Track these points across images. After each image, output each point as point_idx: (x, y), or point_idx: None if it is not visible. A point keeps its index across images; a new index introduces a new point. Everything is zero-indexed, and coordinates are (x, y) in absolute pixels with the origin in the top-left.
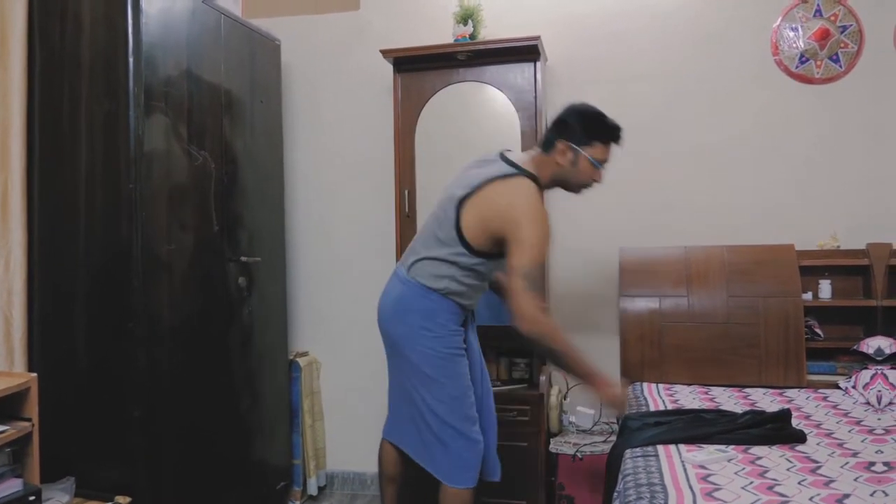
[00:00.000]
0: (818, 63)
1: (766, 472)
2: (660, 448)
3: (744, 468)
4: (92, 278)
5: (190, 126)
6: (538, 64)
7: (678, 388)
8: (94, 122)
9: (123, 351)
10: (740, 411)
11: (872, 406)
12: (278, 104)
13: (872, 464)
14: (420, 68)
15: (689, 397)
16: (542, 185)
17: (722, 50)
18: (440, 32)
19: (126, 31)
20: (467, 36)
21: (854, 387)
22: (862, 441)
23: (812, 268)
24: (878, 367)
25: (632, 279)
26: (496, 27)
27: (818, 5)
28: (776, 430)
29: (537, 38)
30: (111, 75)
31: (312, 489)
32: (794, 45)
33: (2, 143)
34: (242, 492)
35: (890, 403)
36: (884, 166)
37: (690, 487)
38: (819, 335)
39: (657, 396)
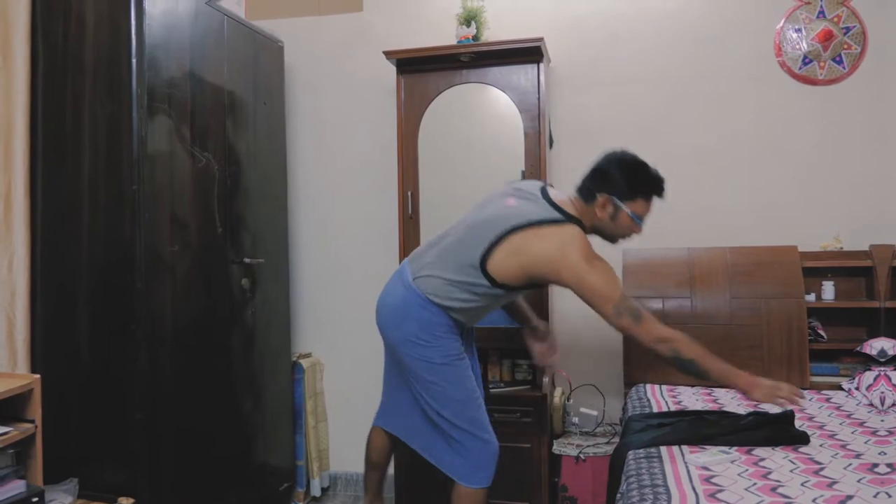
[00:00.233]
0: (821, 64)
1: (769, 473)
2: (663, 449)
3: (747, 469)
4: (95, 279)
5: (193, 127)
6: (541, 65)
7: (681, 389)
8: (97, 124)
9: (126, 352)
10: (743, 412)
11: (876, 407)
12: (281, 105)
13: (876, 465)
14: (423, 70)
15: (692, 399)
16: (585, 230)
17: (725, 51)
18: (443, 34)
19: (129, 33)
20: (470, 37)
21: (857, 388)
22: (865, 443)
23: (815, 269)
24: (882, 369)
25: (635, 281)
26: (499, 29)
27: (821, 7)
28: (779, 431)
29: (540, 39)
30: (114, 77)
31: (316, 490)
32: (798, 47)
33: (5, 144)
34: (245, 493)
35: (893, 405)
36: (887, 167)
37: (693, 489)
38: (822, 336)
39: (660, 398)
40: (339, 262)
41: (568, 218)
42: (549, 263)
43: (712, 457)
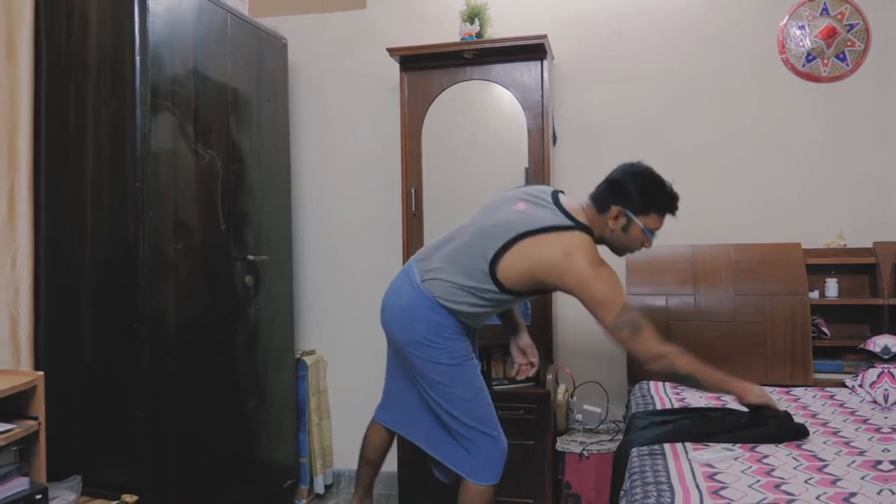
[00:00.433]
0: (825, 61)
1: (772, 470)
2: (666, 447)
3: (750, 467)
4: (98, 277)
5: (196, 125)
6: (545, 62)
7: (685, 386)
8: (101, 122)
9: (129, 350)
10: (745, 409)
11: (879, 404)
12: (285, 103)
13: (879, 462)
14: (426, 67)
15: (696, 396)
16: (594, 239)
17: (728, 48)
18: (446, 31)
19: (133, 30)
20: (474, 34)
21: (861, 385)
22: (869, 439)
23: (818, 266)
24: (885, 366)
25: (638, 277)
26: (502, 26)
27: (825, 3)
28: (780, 428)
29: (544, 36)
30: (118, 74)
31: (319, 488)
32: (801, 44)
33: (9, 142)
34: (249, 490)
35: None
36: (891, 165)
37: (697, 486)
38: (826, 333)
39: (664, 395)
40: (342, 259)
41: (577, 225)
42: (556, 269)
43: (716, 454)
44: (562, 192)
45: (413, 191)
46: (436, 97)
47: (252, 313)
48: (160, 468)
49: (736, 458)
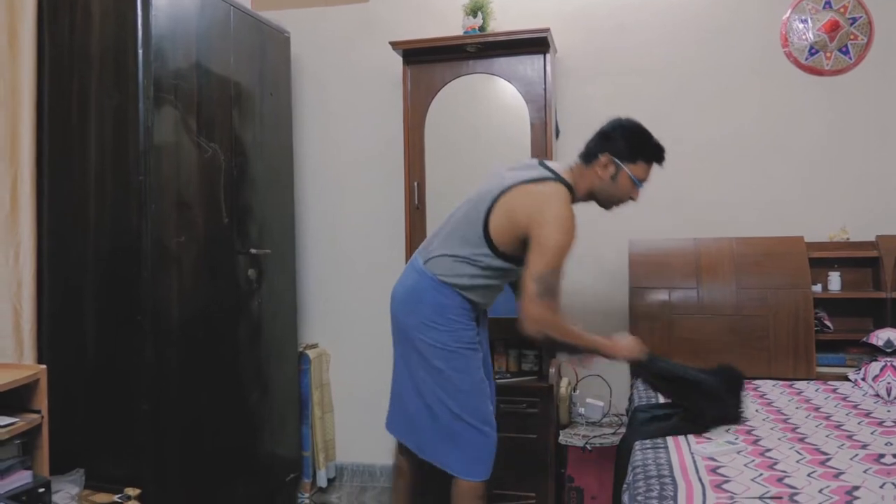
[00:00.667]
0: (828, 55)
1: (775, 464)
2: (669, 440)
3: (753, 460)
4: (101, 270)
5: (199, 118)
6: (548, 56)
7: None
8: (104, 115)
9: (132, 343)
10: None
11: (882, 398)
12: (288, 96)
13: (882, 456)
14: (429, 60)
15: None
16: (577, 197)
17: (731, 42)
18: (449, 24)
19: (135, 24)
20: (476, 28)
21: (864, 379)
22: (871, 433)
23: (821, 260)
24: (888, 359)
25: (641, 271)
26: (505, 19)
27: None
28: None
29: (547, 30)
30: (120, 68)
31: (322, 481)
32: (804, 37)
33: (12, 136)
34: (252, 484)
35: None
36: (894, 158)
37: (700, 479)
38: (828, 327)
39: None
40: (345, 252)
41: (557, 178)
42: (527, 213)
43: (718, 447)
44: (551, 162)
45: (416, 184)
46: (439, 91)
47: (255, 307)
48: (163, 461)
49: (739, 452)
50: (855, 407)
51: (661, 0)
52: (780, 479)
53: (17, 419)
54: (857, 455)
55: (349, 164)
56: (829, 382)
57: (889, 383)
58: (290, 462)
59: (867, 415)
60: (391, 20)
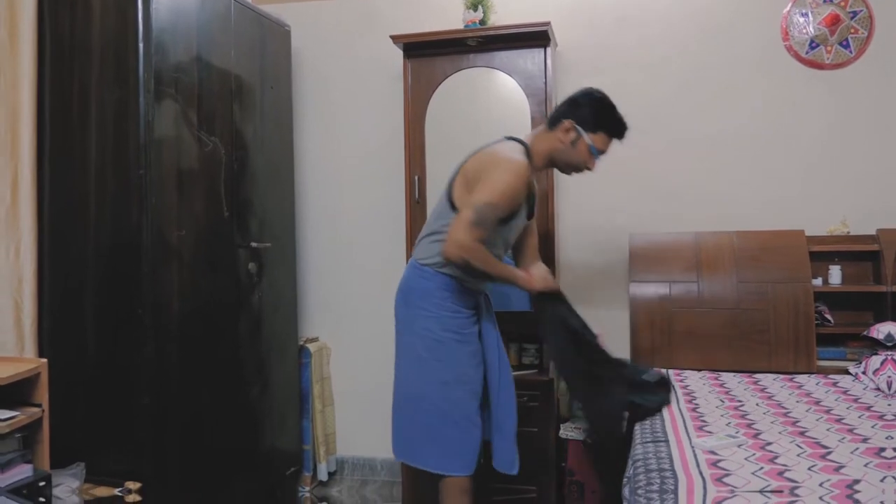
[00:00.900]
0: (828, 49)
1: (776, 457)
2: (670, 434)
3: (754, 454)
4: (102, 264)
5: (200, 112)
6: (548, 49)
7: (688, 373)
8: (104, 109)
9: (133, 337)
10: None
11: (882, 392)
12: (288, 90)
13: (882, 449)
14: (430, 54)
15: (699, 383)
16: (535, 158)
17: (732, 36)
18: (450, 18)
19: (136, 17)
20: (477, 22)
21: (864, 372)
22: (872, 427)
23: (822, 253)
24: (889, 353)
25: (642, 265)
26: (506, 13)
27: None
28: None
29: (547, 23)
30: (121, 61)
31: (322, 474)
32: (804, 31)
33: (12, 130)
34: (252, 477)
35: None
36: (894, 151)
37: (700, 473)
38: (829, 321)
39: None
40: (345, 245)
41: (514, 140)
42: (479, 167)
43: (719, 441)
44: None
45: (416, 178)
46: (439, 84)
47: (255, 300)
48: (164, 455)
49: (739, 446)
50: (855, 401)
51: None
52: (780, 473)
53: (17, 413)
54: (857, 449)
55: (350, 157)
56: (830, 376)
57: (890, 377)
58: (290, 456)
59: (868, 408)
60: (392, 13)
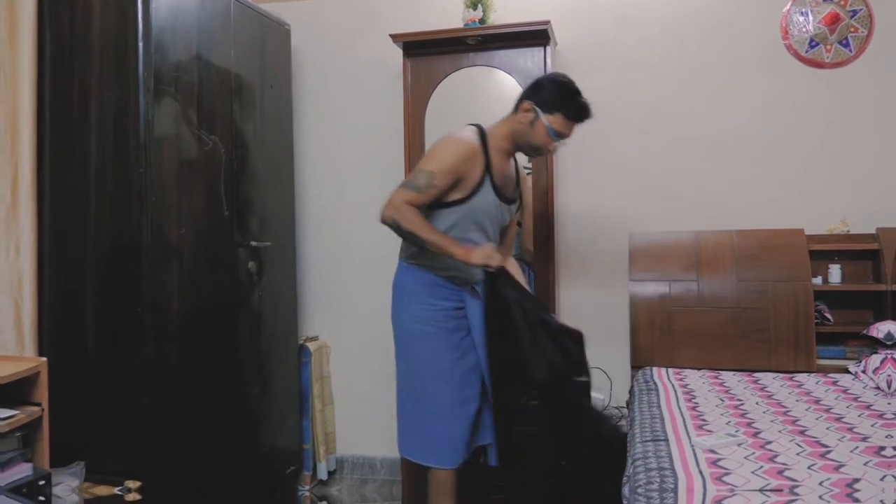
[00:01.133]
0: (828, 47)
1: (775, 456)
2: (670, 433)
3: (753, 453)
4: (102, 263)
5: (200, 111)
6: (548, 48)
7: (688, 372)
8: (104, 108)
9: (133, 336)
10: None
11: (882, 391)
12: (288, 89)
13: (882, 448)
14: (430, 53)
15: (699, 382)
16: (493, 139)
17: (732, 35)
18: (449, 17)
19: (136, 16)
20: (477, 20)
21: (864, 371)
22: (872, 426)
23: (822, 252)
24: (889, 352)
25: (642, 264)
26: (505, 12)
27: None
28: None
29: (547, 22)
30: (121, 60)
31: (322, 474)
32: (804, 30)
33: (12, 129)
34: (252, 476)
35: None
36: (894, 150)
37: (700, 472)
38: (829, 319)
39: (667, 381)
40: (345, 244)
41: (470, 125)
42: (430, 147)
43: (719, 440)
44: None
45: None
46: (439, 83)
47: (255, 299)
48: (163, 455)
49: (739, 445)
50: (855, 399)
51: None
52: (780, 472)
53: (17, 412)
54: (857, 447)
55: (349, 156)
56: (830, 375)
57: (889, 376)
58: (290, 455)
59: (867, 407)
60: (391, 12)
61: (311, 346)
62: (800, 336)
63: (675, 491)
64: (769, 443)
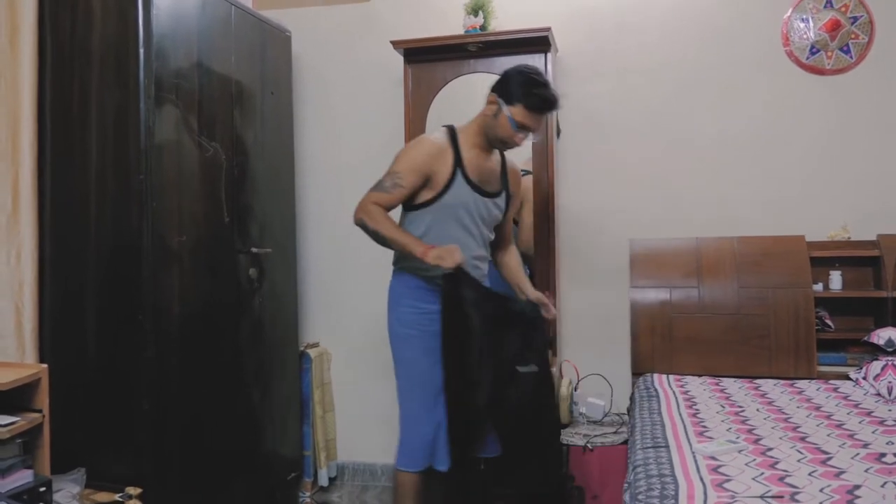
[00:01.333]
0: (829, 54)
1: (776, 463)
2: (670, 439)
3: (754, 459)
4: (102, 269)
5: (200, 117)
6: (549, 55)
7: (689, 379)
8: (105, 114)
9: (133, 342)
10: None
11: (883, 397)
12: (289, 95)
13: (883, 455)
14: (430, 59)
15: (700, 388)
16: (464, 135)
17: (732, 41)
18: (450, 23)
19: (137, 22)
20: (478, 27)
21: (865, 378)
22: (872, 432)
23: (822, 259)
24: (889, 359)
25: (642, 270)
26: (506, 18)
27: None
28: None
29: (548, 29)
30: (122, 67)
31: (323, 480)
32: (805, 36)
33: (12, 135)
34: (253, 483)
35: None
36: (895, 157)
37: (701, 479)
38: (829, 326)
39: (668, 388)
40: (346, 251)
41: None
42: None
43: (720, 446)
44: None
45: None
46: (440, 89)
47: (256, 306)
48: (164, 460)
49: (740, 451)
50: (856, 406)
51: (662, 0)
52: (781, 479)
53: (18, 418)
54: (858, 454)
55: (350, 162)
56: (830, 381)
57: (890, 382)
58: (290, 461)
59: (868, 414)
60: (392, 19)
61: (312, 352)
62: (800, 343)
63: (675, 498)
64: (770, 449)
